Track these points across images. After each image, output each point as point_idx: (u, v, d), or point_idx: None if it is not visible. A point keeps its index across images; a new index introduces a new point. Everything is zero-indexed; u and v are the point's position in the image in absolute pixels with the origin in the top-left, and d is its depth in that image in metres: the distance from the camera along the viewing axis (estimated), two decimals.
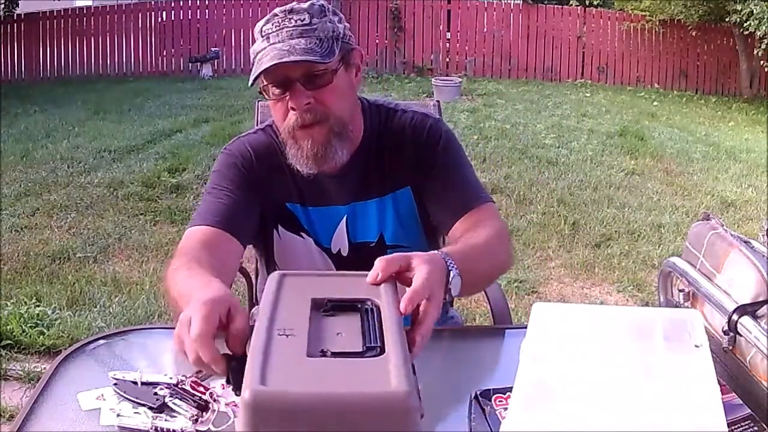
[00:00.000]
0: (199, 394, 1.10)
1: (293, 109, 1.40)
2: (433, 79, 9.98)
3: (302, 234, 1.57)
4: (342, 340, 0.92)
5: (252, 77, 1.39)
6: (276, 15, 1.41)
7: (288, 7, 1.42)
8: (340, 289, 1.04)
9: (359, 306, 1.00)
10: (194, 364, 0.97)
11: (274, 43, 1.38)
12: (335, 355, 0.88)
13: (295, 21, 1.39)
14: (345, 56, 1.45)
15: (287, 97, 1.41)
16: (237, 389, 0.93)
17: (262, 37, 1.41)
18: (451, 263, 1.18)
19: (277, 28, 1.39)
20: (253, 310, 1.94)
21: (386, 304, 1.00)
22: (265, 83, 1.42)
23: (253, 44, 1.44)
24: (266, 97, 1.44)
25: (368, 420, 0.80)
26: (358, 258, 1.56)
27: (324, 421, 0.80)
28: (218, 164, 1.56)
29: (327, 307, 0.99)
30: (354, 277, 1.10)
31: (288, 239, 1.58)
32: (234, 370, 0.96)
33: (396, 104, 1.65)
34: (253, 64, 1.42)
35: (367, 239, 1.57)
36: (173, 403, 1.09)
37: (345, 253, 1.58)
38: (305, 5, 1.43)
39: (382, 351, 0.89)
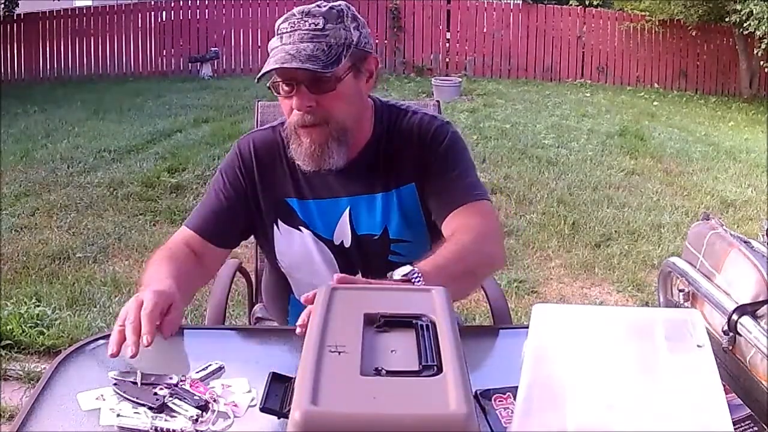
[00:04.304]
0: (199, 394, 1.10)
1: (297, 109, 1.45)
2: (432, 79, 9.99)
3: (300, 228, 1.61)
4: (397, 358, 0.89)
5: (259, 75, 1.45)
6: (294, 15, 1.45)
7: (307, 8, 1.45)
8: (393, 304, 1.00)
9: (414, 322, 0.96)
10: (133, 333, 1.20)
11: (285, 44, 1.43)
12: (390, 374, 0.84)
13: (309, 24, 1.43)
14: (356, 63, 1.48)
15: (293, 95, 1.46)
16: (267, 408, 0.96)
17: (278, 34, 1.46)
18: (417, 279, 1.24)
19: (291, 28, 1.44)
20: (255, 308, 1.95)
21: (442, 320, 0.96)
22: (277, 79, 1.46)
23: (268, 40, 1.50)
24: (275, 92, 1.49)
25: None
26: (360, 250, 1.60)
27: None
28: (225, 160, 1.65)
29: (380, 323, 0.96)
30: (407, 291, 1.06)
31: (287, 233, 1.61)
32: (272, 388, 0.98)
33: (408, 106, 1.69)
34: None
35: (372, 232, 1.60)
36: (173, 403, 1.08)
37: (347, 244, 1.60)
38: (323, 9, 1.46)
39: (440, 370, 0.85)
